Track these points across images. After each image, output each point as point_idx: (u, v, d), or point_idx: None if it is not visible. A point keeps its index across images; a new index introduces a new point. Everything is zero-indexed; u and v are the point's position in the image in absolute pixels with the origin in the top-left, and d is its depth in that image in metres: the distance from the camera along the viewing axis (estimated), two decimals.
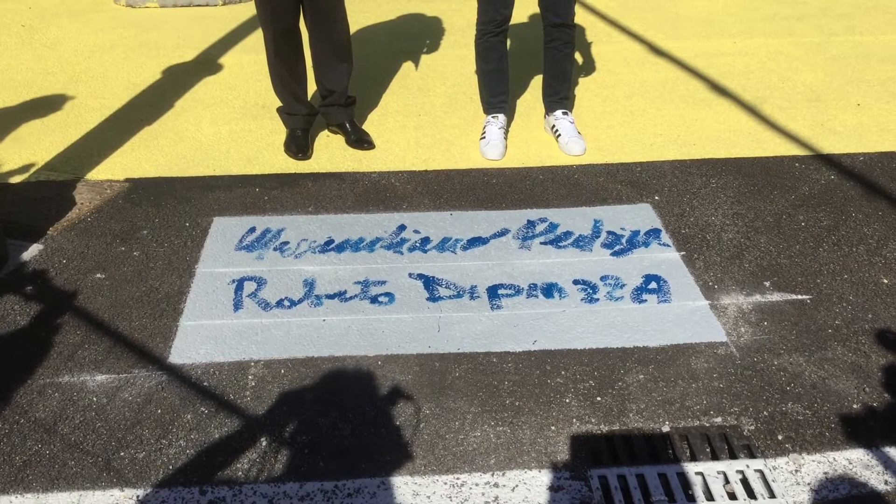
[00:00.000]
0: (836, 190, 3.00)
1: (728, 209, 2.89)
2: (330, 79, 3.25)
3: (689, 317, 2.36)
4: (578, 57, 4.22)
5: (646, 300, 2.44)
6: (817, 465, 1.87)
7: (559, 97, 3.42)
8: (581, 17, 4.68)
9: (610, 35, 4.63)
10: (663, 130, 3.49)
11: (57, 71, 4.17)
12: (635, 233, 2.77)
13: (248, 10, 5.03)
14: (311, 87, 3.35)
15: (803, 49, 4.33)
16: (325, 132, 3.49)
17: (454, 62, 4.25)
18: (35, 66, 4.23)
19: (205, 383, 2.12)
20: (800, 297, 2.43)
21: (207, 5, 5.21)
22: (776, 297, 2.43)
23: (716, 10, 5.02)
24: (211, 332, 2.31)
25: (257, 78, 4.03)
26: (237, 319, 2.36)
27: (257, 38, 4.45)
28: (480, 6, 3.19)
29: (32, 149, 3.34)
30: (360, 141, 3.36)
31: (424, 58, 4.33)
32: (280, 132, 3.43)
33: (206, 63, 4.28)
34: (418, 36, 4.68)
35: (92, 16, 5.04)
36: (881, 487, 1.81)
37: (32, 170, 3.17)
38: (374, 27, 4.79)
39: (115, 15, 5.06)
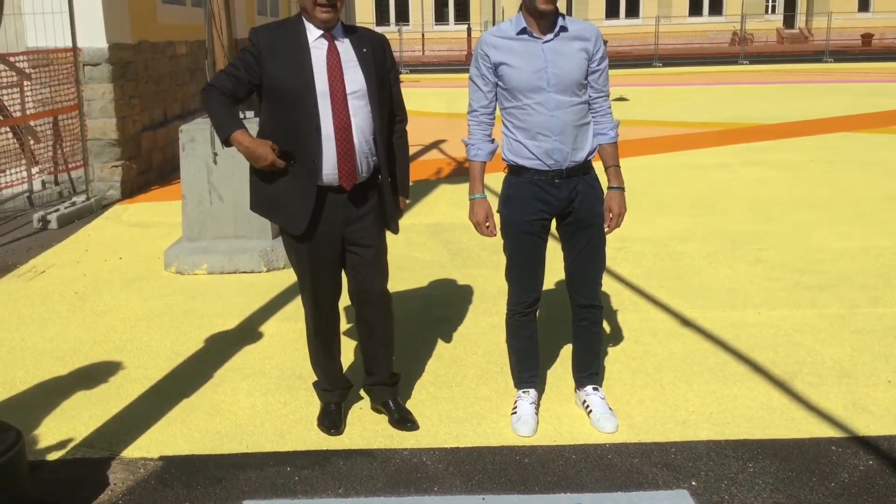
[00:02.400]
0: (876, 477, 2.93)
1: (767, 497, 2.81)
2: (373, 366, 3.37)
3: None
4: (606, 326, 4.34)
5: None
6: None
7: (589, 373, 3.48)
8: (606, 283, 4.86)
9: (636, 304, 4.78)
10: (695, 407, 3.49)
11: (104, 340, 4.36)
12: None
13: (290, 276, 5.30)
14: (347, 357, 3.45)
15: (828, 321, 4.42)
16: (359, 405, 3.54)
17: (486, 331, 4.38)
18: (83, 335, 4.44)
19: None
20: None
21: (252, 272, 5.52)
22: None
23: (738, 278, 5.20)
24: None
25: (296, 346, 4.17)
26: None
27: (297, 306, 4.65)
28: (511, 287, 3.35)
29: (72, 423, 3.42)
30: (404, 420, 3.38)
31: (457, 326, 4.48)
32: (314, 404, 3.49)
33: (248, 331, 4.46)
34: (451, 303, 4.87)
35: (143, 283, 5.35)
36: None
37: (70, 446, 3.22)
38: (408, 293, 5.01)
39: (165, 282, 5.37)
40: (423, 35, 46.55)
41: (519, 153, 3.18)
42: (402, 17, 47.45)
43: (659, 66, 29.46)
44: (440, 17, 48.38)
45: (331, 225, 3.10)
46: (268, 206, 3.14)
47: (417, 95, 18.02)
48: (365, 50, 3.07)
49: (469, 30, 40.13)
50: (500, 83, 3.15)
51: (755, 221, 6.63)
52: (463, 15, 46.88)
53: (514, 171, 3.23)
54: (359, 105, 3.03)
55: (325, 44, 3.01)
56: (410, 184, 3.50)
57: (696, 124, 12.99)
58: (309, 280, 3.19)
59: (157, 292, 5.16)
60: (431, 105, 16.05)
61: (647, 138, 11.49)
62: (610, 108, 3.27)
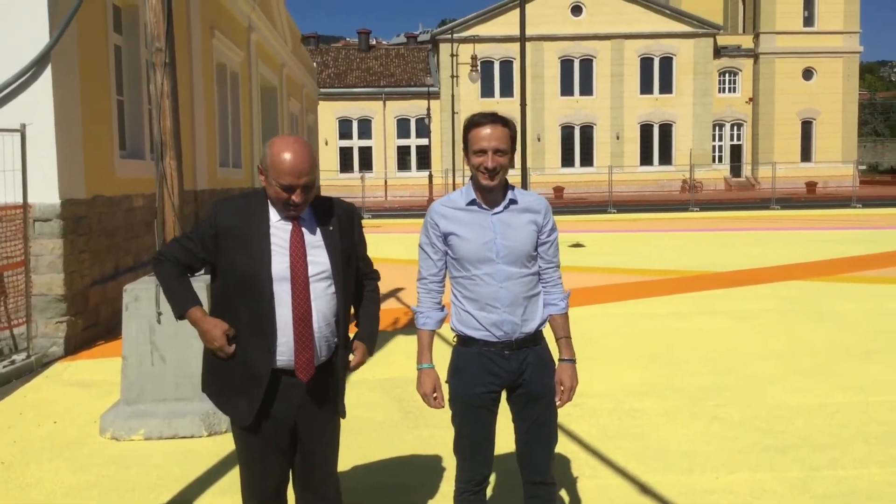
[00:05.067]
0: None
1: None
2: None
3: None
4: (564, 494, 4.14)
5: None
6: None
7: None
8: (563, 445, 4.70)
9: (594, 469, 4.60)
10: None
11: None
12: None
13: (231, 442, 5.05)
14: None
15: (788, 486, 4.28)
16: None
17: (438, 502, 4.15)
18: None
19: None
20: None
21: (192, 437, 5.25)
22: None
23: (696, 438, 5.07)
24: None
25: None
26: None
27: (235, 477, 4.39)
28: (459, 464, 3.19)
29: None
30: None
31: (409, 495, 4.24)
32: None
33: None
34: (402, 469, 4.64)
35: (75, 451, 5.05)
36: None
37: None
38: (356, 458, 4.77)
39: (99, 450, 5.08)
40: (385, 181, 47.71)
41: (468, 324, 3.11)
42: (366, 165, 48.78)
43: (613, 213, 30.36)
44: (403, 164, 49.86)
45: (283, 411, 2.92)
46: (217, 394, 2.98)
47: (378, 241, 18.21)
48: (331, 228, 2.96)
49: (431, 176, 41.33)
50: (449, 252, 3.12)
51: (711, 374, 6.58)
52: (425, 163, 48.38)
53: (463, 341, 3.15)
54: (322, 287, 2.91)
55: (288, 225, 2.89)
56: None
57: (651, 271, 13.21)
58: (253, 470, 2.99)
59: (89, 462, 4.85)
60: (391, 251, 16.19)
61: (604, 286, 11.61)
62: (560, 278, 3.24)
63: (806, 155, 51.64)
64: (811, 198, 39.43)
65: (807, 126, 51.70)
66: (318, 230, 2.95)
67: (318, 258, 2.91)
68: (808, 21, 51.31)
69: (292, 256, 2.87)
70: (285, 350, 2.87)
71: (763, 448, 4.87)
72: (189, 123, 12.20)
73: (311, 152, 2.86)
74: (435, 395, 3.14)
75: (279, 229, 2.89)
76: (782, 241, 18.27)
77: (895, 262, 13.77)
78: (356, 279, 3.10)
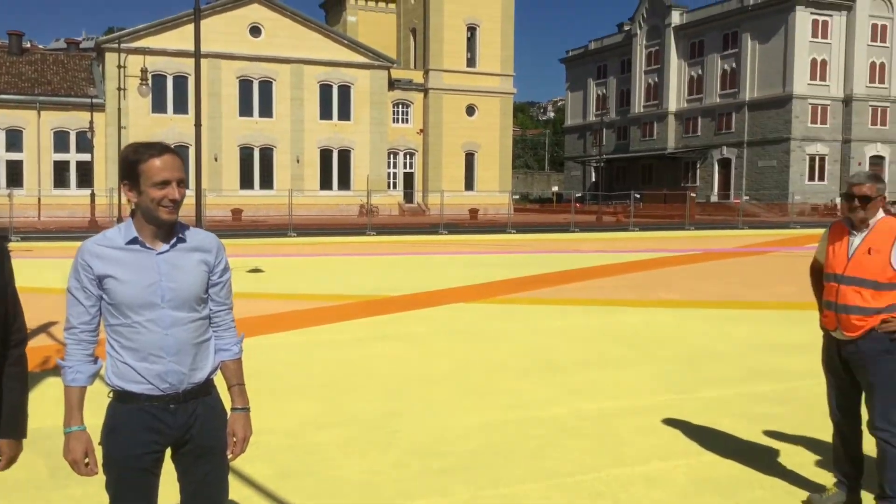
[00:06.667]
0: None
1: None
2: None
3: None
4: None
5: None
6: None
7: None
8: (235, 491, 4.45)
9: None
10: None
11: None
12: None
13: None
14: None
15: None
16: None
17: None
18: None
19: None
20: None
21: None
22: None
23: (372, 468, 5.12)
24: None
25: None
26: None
27: None
28: None
29: None
30: None
31: None
32: None
33: None
34: None
35: None
36: None
37: None
38: None
39: None
40: (39, 199, 43.04)
41: (126, 377, 2.76)
42: (16, 181, 43.51)
43: (294, 236, 30.37)
44: (61, 181, 45.28)
45: None
46: None
47: (29, 267, 16.24)
48: None
49: (93, 195, 37.99)
50: (105, 297, 2.76)
51: (387, 401, 6.73)
52: (87, 180, 44.34)
53: (121, 397, 2.78)
54: None
55: None
56: None
57: (331, 297, 13.34)
58: None
59: None
60: (45, 279, 14.52)
61: (283, 313, 11.46)
62: (233, 321, 3.02)
63: (469, 184, 56.31)
64: (474, 223, 43.00)
65: (470, 157, 56.43)
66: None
67: None
68: (471, 62, 56.21)
69: None
70: None
71: (434, 472, 5.05)
72: None
73: None
74: (87, 460, 2.76)
75: None
76: (450, 265, 19.58)
77: (545, 284, 15.39)
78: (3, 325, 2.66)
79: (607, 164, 71.02)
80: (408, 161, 55.89)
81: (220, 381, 2.96)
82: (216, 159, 48.30)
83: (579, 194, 66.30)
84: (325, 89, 51.75)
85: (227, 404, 2.97)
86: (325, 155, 51.97)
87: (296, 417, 6.23)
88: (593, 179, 74.94)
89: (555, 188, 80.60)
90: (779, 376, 7.68)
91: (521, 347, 9.11)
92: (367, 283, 15.36)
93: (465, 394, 6.99)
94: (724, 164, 63.31)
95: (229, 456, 2.95)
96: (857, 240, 4.26)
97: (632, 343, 9.37)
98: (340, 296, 13.50)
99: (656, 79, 69.58)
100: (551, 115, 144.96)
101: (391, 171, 55.04)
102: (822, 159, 58.74)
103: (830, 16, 57.69)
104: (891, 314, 4.16)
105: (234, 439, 2.94)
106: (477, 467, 5.14)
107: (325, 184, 52.03)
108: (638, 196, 48.83)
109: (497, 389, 7.16)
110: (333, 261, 20.74)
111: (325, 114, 51.84)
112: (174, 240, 2.82)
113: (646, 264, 19.87)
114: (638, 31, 71.33)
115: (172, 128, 46.74)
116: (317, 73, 51.15)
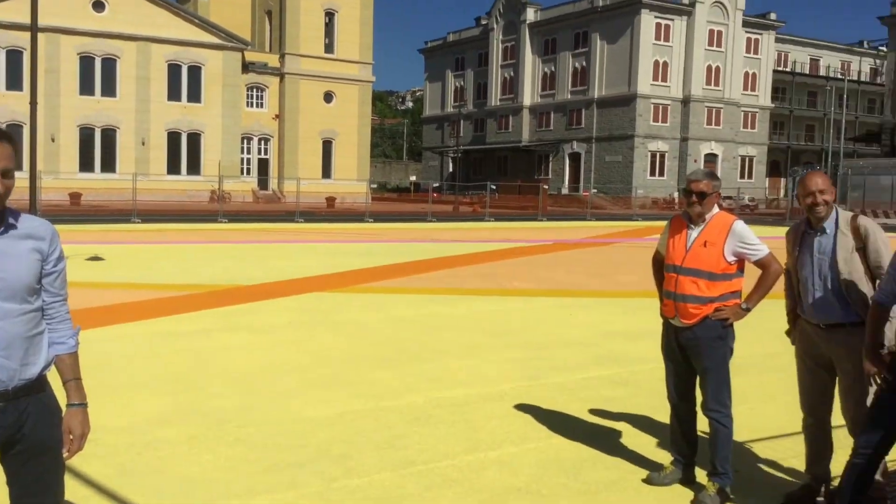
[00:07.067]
0: None
1: None
2: None
3: None
4: None
5: None
6: None
7: None
8: (72, 492, 4.17)
9: None
10: None
11: None
12: None
13: None
14: None
15: (308, 501, 4.39)
16: None
17: None
18: None
19: None
20: None
21: None
22: None
23: (220, 464, 4.93)
24: None
25: None
26: None
27: None
28: None
29: None
30: None
31: None
32: None
33: None
34: None
35: None
36: None
37: None
38: None
39: None
40: None
41: None
42: None
43: (138, 222, 28.97)
44: None
45: None
46: None
47: None
48: None
49: None
50: None
51: (235, 394, 6.51)
52: None
53: None
54: None
55: None
56: None
57: (178, 286, 12.79)
58: None
59: None
60: None
61: (125, 303, 10.87)
62: (68, 313, 2.83)
63: (326, 172, 55.62)
64: (331, 212, 42.53)
65: (327, 145, 55.73)
66: None
67: None
68: (329, 48, 55.44)
69: None
70: None
71: (285, 466, 4.93)
72: None
73: None
74: None
75: None
76: (306, 253, 19.27)
77: (402, 273, 15.44)
78: None
79: (464, 154, 72.28)
80: (263, 147, 54.51)
81: (55, 378, 2.76)
82: (53, 140, 45.25)
83: (437, 184, 67.00)
84: (174, 69, 49.54)
85: (63, 401, 2.80)
86: (174, 138, 49.81)
87: (138, 414, 5.91)
88: (451, 170, 76.06)
89: (413, 178, 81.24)
90: (621, 361, 8.06)
91: (378, 337, 9.08)
92: (218, 272, 14.84)
93: (320, 385, 6.88)
94: (575, 158, 65.93)
95: (65, 454, 2.77)
96: (694, 233, 4.51)
97: (486, 331, 9.55)
98: (189, 285, 12.97)
99: (512, 73, 71.39)
100: (410, 104, 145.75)
101: (245, 156, 53.49)
102: (662, 156, 62.30)
103: (672, 20, 61.15)
104: (723, 303, 4.44)
105: (71, 437, 2.77)
106: (329, 459, 5.06)
107: (174, 168, 49.89)
108: (494, 187, 49.95)
109: (353, 380, 7.09)
110: (182, 248, 19.91)
111: (174, 95, 49.66)
112: (4, 227, 2.61)
113: (500, 254, 20.35)
114: (495, 26, 72.86)
115: (6, 105, 43.41)
116: (165, 52, 48.87)
